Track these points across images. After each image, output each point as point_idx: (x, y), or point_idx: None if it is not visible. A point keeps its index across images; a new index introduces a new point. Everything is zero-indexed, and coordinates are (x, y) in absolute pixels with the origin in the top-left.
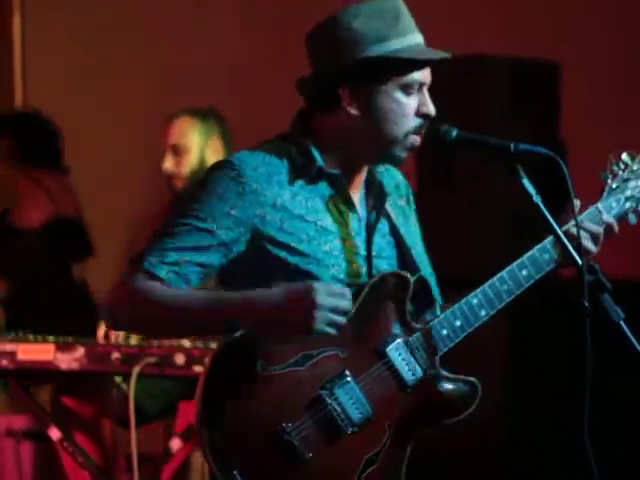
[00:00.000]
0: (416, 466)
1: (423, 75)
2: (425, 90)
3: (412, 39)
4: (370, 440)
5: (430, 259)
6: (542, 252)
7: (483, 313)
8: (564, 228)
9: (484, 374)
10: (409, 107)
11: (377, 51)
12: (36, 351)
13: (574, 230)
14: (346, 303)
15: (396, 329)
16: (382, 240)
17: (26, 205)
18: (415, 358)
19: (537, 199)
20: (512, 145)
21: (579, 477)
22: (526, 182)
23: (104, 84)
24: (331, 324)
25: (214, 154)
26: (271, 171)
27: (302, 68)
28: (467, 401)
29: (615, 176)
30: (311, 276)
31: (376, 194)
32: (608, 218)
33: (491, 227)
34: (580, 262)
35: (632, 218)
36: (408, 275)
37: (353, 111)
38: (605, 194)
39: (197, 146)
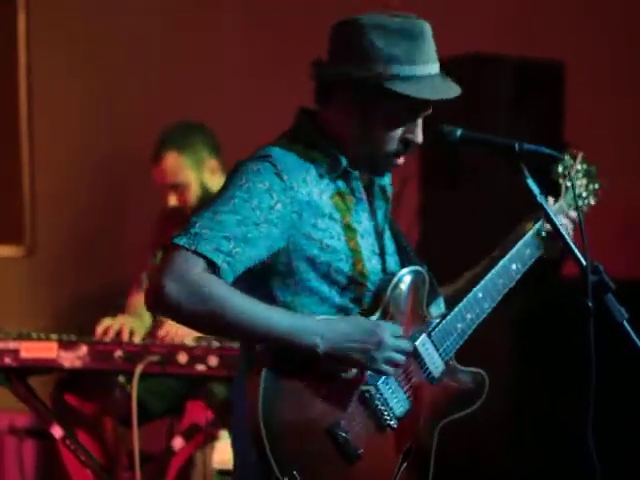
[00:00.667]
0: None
1: (427, 108)
2: (420, 119)
3: (430, 69)
4: (407, 433)
5: (425, 256)
6: (526, 246)
7: (486, 305)
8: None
9: (488, 373)
10: (397, 130)
11: (391, 72)
12: (39, 349)
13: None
14: (406, 344)
15: (420, 323)
16: (387, 237)
17: None
18: (437, 351)
19: (541, 199)
20: (517, 145)
21: (582, 476)
22: (530, 182)
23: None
24: (391, 363)
25: (212, 174)
26: (303, 169)
27: (302, 68)
28: (480, 391)
29: (565, 176)
30: (341, 272)
31: (382, 191)
32: (572, 213)
33: (495, 225)
34: (584, 262)
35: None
36: (424, 271)
37: (347, 112)
38: (563, 192)
39: (194, 178)
